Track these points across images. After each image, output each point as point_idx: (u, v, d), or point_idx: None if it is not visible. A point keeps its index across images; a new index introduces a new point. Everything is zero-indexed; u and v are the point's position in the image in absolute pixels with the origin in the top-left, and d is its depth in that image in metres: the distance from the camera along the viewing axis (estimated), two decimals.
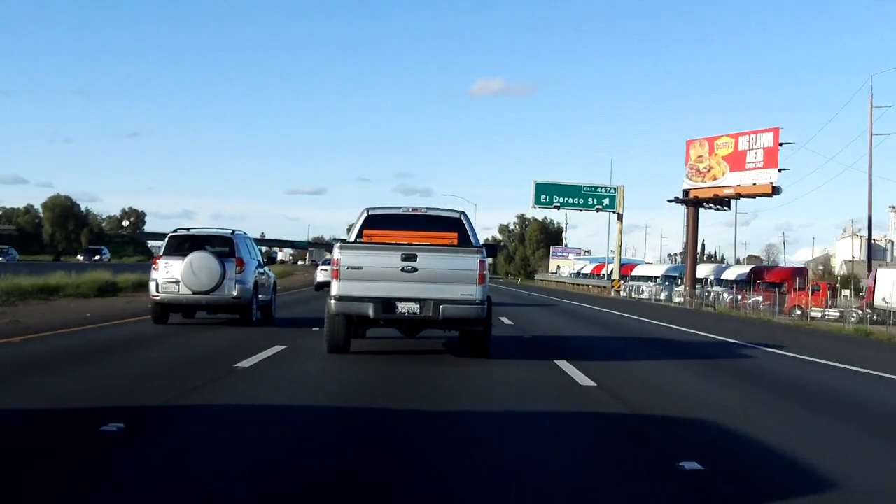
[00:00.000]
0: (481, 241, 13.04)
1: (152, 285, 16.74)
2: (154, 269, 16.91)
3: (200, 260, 16.46)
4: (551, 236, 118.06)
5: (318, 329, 15.13)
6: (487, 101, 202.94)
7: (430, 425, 7.40)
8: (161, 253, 17.38)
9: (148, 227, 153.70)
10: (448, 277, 11.42)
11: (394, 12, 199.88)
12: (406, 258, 11.44)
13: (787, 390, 10.88)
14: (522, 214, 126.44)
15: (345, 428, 7.23)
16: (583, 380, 10.41)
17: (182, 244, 17.25)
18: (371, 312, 11.42)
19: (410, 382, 9.93)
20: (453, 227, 12.62)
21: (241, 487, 5.13)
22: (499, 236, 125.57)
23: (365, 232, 12.37)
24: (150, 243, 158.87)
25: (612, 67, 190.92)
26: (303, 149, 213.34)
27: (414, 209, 12.96)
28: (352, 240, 12.31)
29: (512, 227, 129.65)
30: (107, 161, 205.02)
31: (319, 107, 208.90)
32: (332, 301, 11.58)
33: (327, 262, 42.76)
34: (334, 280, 11.54)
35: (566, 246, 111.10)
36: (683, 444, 6.86)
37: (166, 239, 17.77)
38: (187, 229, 18.10)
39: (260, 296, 17.70)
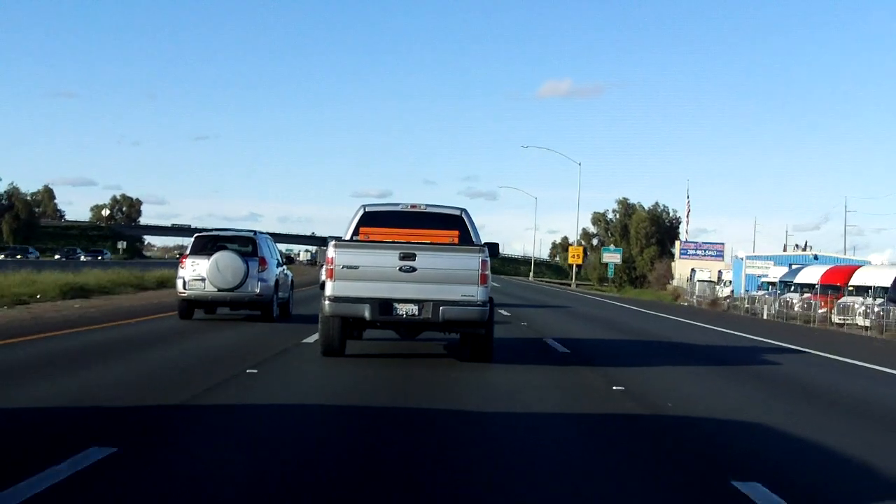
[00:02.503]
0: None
1: (179, 283, 17.71)
2: (181, 267, 17.90)
3: (226, 259, 17.41)
4: (665, 230, 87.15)
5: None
6: (556, 103, 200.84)
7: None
8: (188, 252, 18.35)
9: (145, 220, 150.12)
10: (448, 277, 10.97)
11: (460, 13, 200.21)
12: (404, 257, 10.94)
13: None
14: (625, 199, 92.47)
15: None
16: None
17: (207, 244, 18.25)
18: (367, 314, 10.93)
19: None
20: (454, 224, 12.15)
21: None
22: (592, 228, 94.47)
23: (362, 229, 11.88)
24: (149, 239, 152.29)
25: (684, 68, 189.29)
26: (369, 151, 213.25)
27: (413, 206, 12.38)
28: (347, 237, 11.76)
29: (611, 216, 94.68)
30: (174, 164, 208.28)
31: (386, 109, 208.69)
32: (326, 302, 11.09)
33: None
34: (328, 280, 11.09)
35: (699, 243, 72.63)
36: None
37: (192, 239, 18.77)
38: (211, 230, 19.08)
39: (279, 293, 18.65)
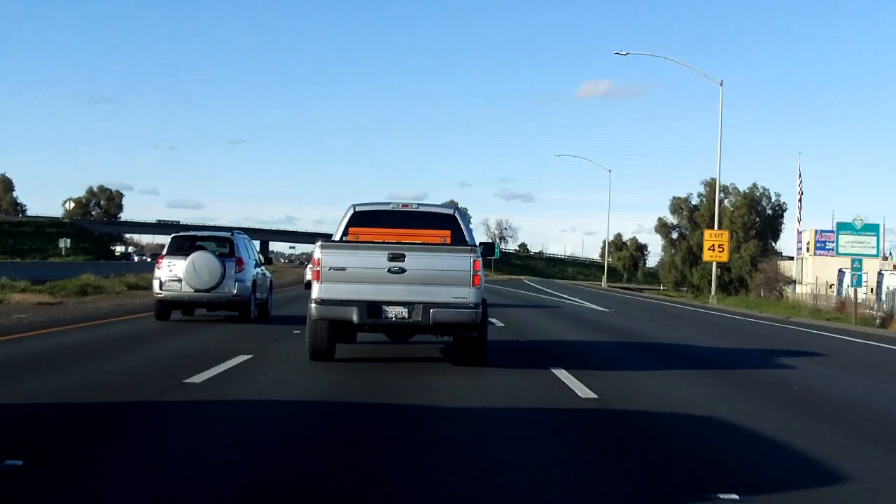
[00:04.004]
0: (478, 241, 12.24)
1: (156, 283, 17.60)
2: (157, 268, 17.79)
3: (202, 259, 17.31)
4: (766, 221, 66.34)
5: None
6: (594, 104, 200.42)
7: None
8: (164, 252, 18.23)
9: (126, 215, 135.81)
10: (439, 279, 10.68)
11: (497, 14, 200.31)
12: (393, 258, 10.67)
13: None
14: (712, 179, 65.98)
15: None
16: None
17: (184, 244, 18.16)
18: (355, 317, 10.65)
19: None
20: (446, 224, 11.88)
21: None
22: (670, 218, 72.75)
23: (351, 230, 11.59)
24: (136, 237, 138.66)
25: (724, 66, 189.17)
26: (404, 153, 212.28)
27: (404, 205, 12.10)
28: (337, 238, 11.50)
29: (695, 201, 71.78)
30: (211, 168, 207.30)
31: (421, 110, 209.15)
32: (313, 305, 10.81)
33: None
34: (315, 282, 10.82)
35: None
36: None
37: (169, 239, 18.66)
38: (188, 230, 18.97)
39: (257, 294, 18.57)
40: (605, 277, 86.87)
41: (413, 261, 10.71)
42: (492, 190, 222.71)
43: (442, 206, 12.40)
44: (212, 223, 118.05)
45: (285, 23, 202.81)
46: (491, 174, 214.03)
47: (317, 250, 10.94)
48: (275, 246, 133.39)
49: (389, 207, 12.05)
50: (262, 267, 20.03)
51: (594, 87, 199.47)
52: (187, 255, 17.47)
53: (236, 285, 17.47)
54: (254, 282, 18.21)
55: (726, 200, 67.47)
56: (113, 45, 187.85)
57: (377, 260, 10.71)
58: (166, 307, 17.72)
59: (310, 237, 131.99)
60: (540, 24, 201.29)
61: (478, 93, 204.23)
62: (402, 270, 10.66)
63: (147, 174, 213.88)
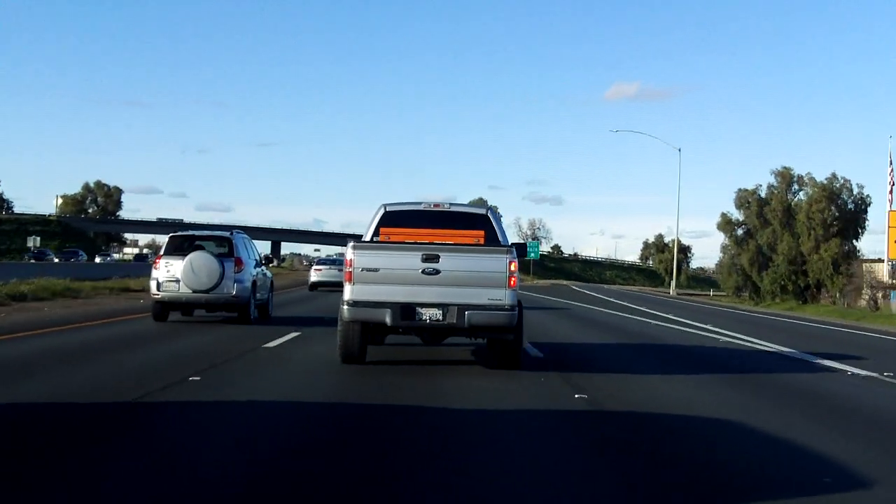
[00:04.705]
0: (509, 241, 11.87)
1: (153, 284, 17.24)
2: (155, 268, 17.43)
3: (200, 259, 16.93)
4: (847, 216, 56.93)
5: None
6: (624, 105, 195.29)
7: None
8: (162, 252, 17.87)
9: (126, 214, 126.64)
10: (474, 280, 10.44)
11: (526, 15, 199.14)
12: (427, 259, 10.41)
13: None
14: (787, 168, 60.03)
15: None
16: None
17: (182, 244, 17.78)
18: (389, 319, 10.40)
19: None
20: (479, 224, 11.65)
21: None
22: (735, 214, 63.53)
23: (382, 230, 11.40)
24: (136, 238, 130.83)
25: (753, 70, 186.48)
26: (433, 156, 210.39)
27: (435, 205, 11.93)
28: (367, 238, 11.31)
29: (765, 194, 62.01)
30: (239, 171, 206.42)
31: (449, 113, 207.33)
32: (345, 307, 10.54)
33: (322, 263, 43.15)
34: (347, 283, 10.56)
35: None
36: None
37: (167, 239, 18.29)
38: (186, 229, 18.60)
39: (257, 294, 18.18)
40: (673, 283, 70.68)
41: (448, 262, 10.48)
42: (521, 193, 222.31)
43: (474, 205, 12.14)
44: (240, 225, 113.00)
45: (316, 27, 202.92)
46: (520, 177, 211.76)
47: (349, 251, 10.70)
48: (301, 248, 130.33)
49: (421, 207, 11.86)
50: (263, 267, 19.65)
51: (624, 88, 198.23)
52: (185, 255, 17.10)
53: (235, 286, 17.08)
54: (253, 282, 17.82)
55: (801, 193, 59.29)
56: (143, 49, 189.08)
57: (411, 261, 10.48)
58: (164, 308, 17.37)
59: (325, 237, 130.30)
60: (570, 25, 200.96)
61: (508, 95, 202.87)
62: (437, 272, 10.44)
63: (176, 177, 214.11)
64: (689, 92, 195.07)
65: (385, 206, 11.82)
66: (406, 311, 10.44)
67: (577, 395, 9.09)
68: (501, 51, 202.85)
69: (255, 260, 18.85)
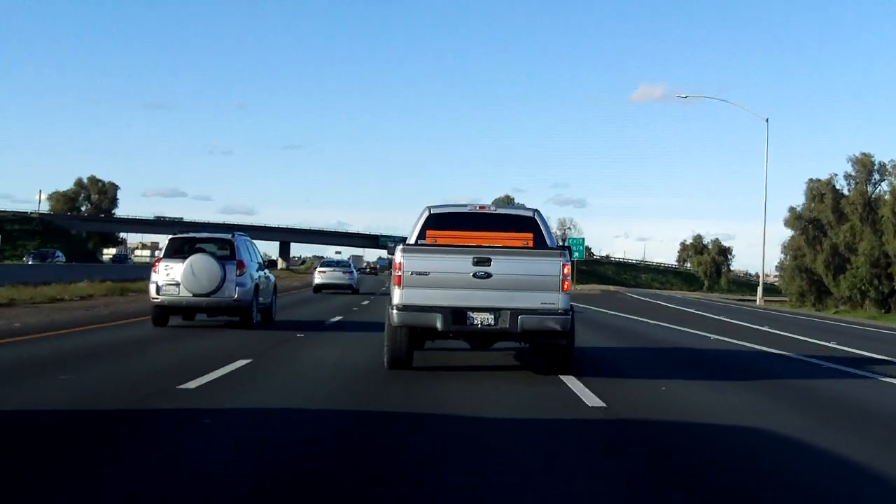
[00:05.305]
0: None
1: (152, 287, 16.73)
2: (154, 271, 16.95)
3: (201, 262, 16.45)
4: None
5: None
6: (650, 108, 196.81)
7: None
8: (161, 255, 17.38)
9: (121, 211, 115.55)
10: (527, 284, 10.24)
11: (551, 16, 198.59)
12: (479, 262, 10.23)
13: None
14: (867, 155, 53.35)
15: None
16: None
17: (182, 246, 17.26)
18: (439, 324, 10.22)
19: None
20: (527, 227, 11.40)
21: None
22: (799, 208, 56.82)
23: (428, 233, 11.19)
24: (135, 238, 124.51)
25: (780, 71, 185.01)
26: (457, 159, 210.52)
27: (481, 207, 11.87)
28: (412, 241, 11.12)
29: (842, 183, 54.51)
30: (264, 174, 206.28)
31: (473, 115, 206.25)
32: (394, 311, 10.33)
33: (326, 265, 42.73)
34: (396, 287, 10.37)
35: None
36: None
37: (167, 241, 17.81)
38: (186, 229, 18.13)
39: (260, 298, 17.68)
40: (759, 290, 53.98)
41: (500, 265, 10.28)
42: (545, 196, 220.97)
43: (521, 207, 12.02)
44: (246, 225, 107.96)
45: (340, 30, 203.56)
46: (544, 179, 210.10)
47: (398, 254, 10.50)
48: (325, 250, 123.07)
49: (466, 210, 11.74)
50: (266, 270, 19.15)
51: (650, 90, 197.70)
52: (186, 257, 16.61)
53: (237, 289, 16.57)
54: (256, 285, 17.31)
55: (884, 183, 52.06)
56: (167, 51, 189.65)
57: (462, 264, 10.30)
58: (164, 312, 16.85)
59: (338, 237, 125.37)
60: (595, 26, 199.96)
61: (534, 97, 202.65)
62: (488, 275, 10.25)
63: (201, 180, 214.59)
64: (715, 91, 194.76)
65: (430, 208, 11.63)
66: (457, 315, 10.27)
67: None
68: (526, 53, 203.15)
69: (258, 263, 18.36)
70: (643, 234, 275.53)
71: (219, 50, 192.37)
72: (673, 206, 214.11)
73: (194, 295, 16.41)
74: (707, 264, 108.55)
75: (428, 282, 10.29)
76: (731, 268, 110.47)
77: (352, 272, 40.96)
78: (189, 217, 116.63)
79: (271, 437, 6.86)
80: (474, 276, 10.23)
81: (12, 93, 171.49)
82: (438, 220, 11.38)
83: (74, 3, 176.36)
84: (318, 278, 40.04)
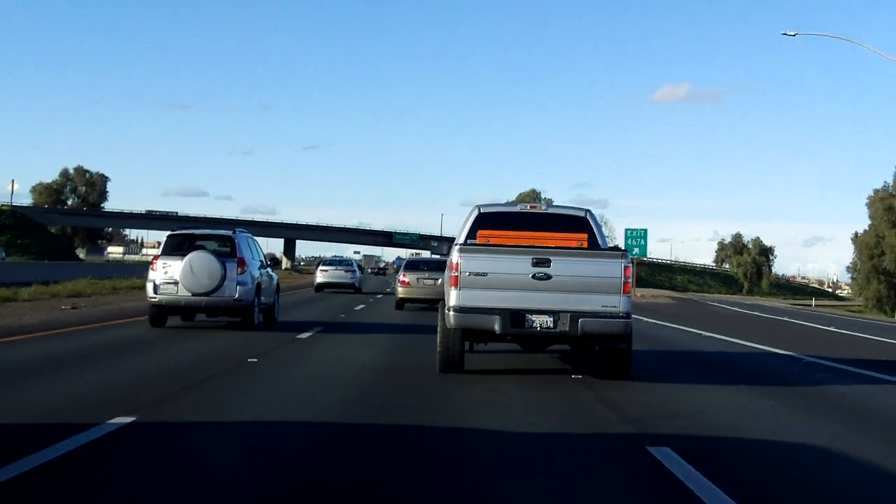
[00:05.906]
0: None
1: (149, 286, 16.01)
2: (152, 269, 16.21)
3: (200, 260, 15.73)
4: None
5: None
6: (673, 108, 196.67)
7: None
8: (159, 252, 16.65)
9: (111, 205, 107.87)
10: (588, 286, 9.99)
11: (574, 16, 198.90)
12: (538, 263, 9.97)
13: None
14: None
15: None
16: None
17: (182, 243, 16.52)
18: (497, 327, 10.00)
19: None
20: (580, 227, 11.20)
21: None
22: (864, 217, 50.20)
23: (479, 233, 10.90)
24: (134, 234, 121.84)
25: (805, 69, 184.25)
26: (477, 159, 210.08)
27: (532, 206, 11.68)
28: (461, 241, 10.87)
29: None
30: (285, 173, 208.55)
31: (494, 115, 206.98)
32: (451, 313, 10.11)
33: (328, 263, 42.10)
34: (452, 288, 10.12)
35: None
36: None
37: (165, 238, 17.08)
38: (184, 224, 17.40)
39: (262, 298, 16.97)
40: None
41: (560, 266, 10.02)
42: (567, 196, 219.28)
43: (573, 207, 11.80)
44: (248, 220, 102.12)
45: (361, 30, 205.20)
46: (566, 179, 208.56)
47: (454, 254, 10.27)
48: (345, 249, 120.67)
49: (517, 209, 11.63)
50: (269, 268, 18.43)
51: (673, 90, 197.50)
52: (184, 255, 15.88)
53: (238, 288, 15.84)
54: (258, 284, 16.57)
55: None
56: (189, 51, 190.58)
57: (521, 265, 10.03)
58: (162, 312, 16.12)
59: (349, 234, 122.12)
60: (617, 27, 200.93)
61: (557, 98, 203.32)
62: (548, 276, 9.99)
63: (222, 179, 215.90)
64: (739, 91, 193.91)
65: (479, 207, 11.46)
66: (515, 317, 10.03)
67: None
68: (547, 53, 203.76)
69: (260, 261, 17.63)
70: (665, 235, 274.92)
71: (239, 50, 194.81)
72: (694, 207, 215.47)
73: (193, 294, 15.69)
74: (747, 265, 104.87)
75: (486, 283, 10.04)
76: (773, 269, 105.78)
77: (354, 271, 40.44)
78: (212, 215, 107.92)
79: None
80: (533, 277, 9.96)
81: (33, 93, 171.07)
82: (488, 220, 11.19)
83: (99, 4, 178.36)
84: (320, 277, 39.60)
